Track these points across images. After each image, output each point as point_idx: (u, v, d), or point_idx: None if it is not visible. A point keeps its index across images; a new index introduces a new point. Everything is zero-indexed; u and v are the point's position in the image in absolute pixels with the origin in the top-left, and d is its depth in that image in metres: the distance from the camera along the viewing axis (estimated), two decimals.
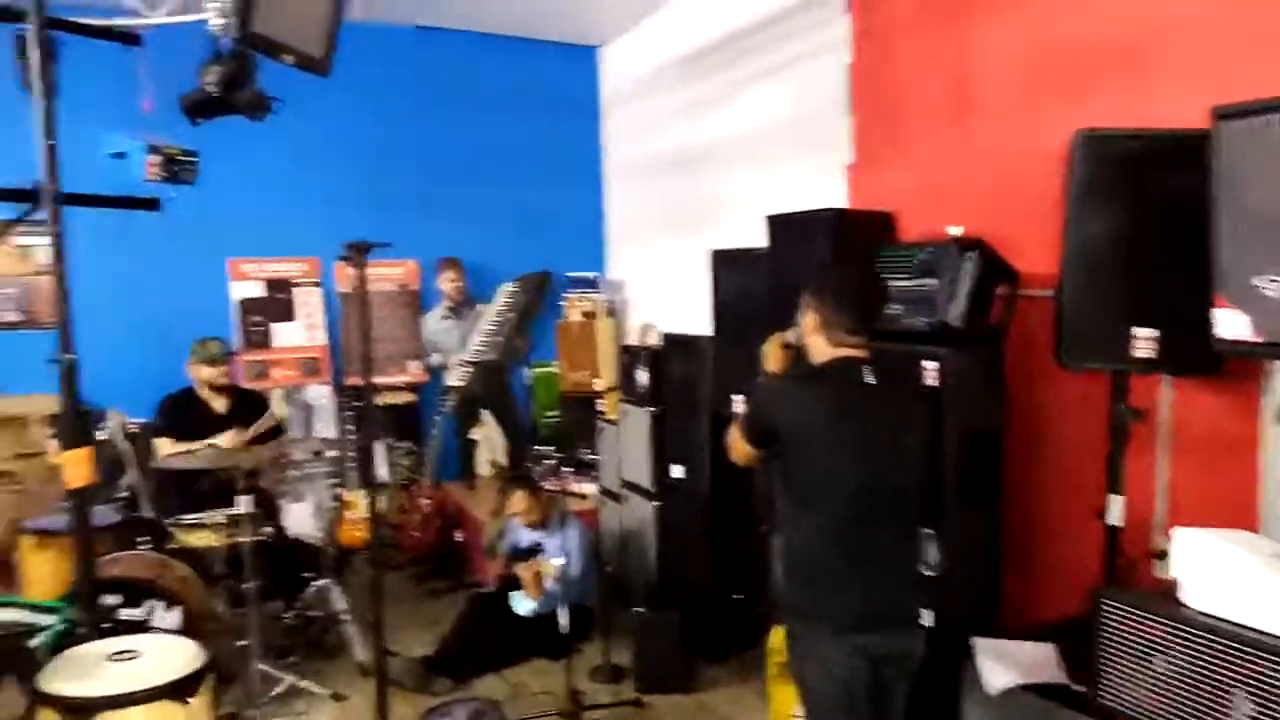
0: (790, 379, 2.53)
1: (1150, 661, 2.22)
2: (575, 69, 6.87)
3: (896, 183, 4.03)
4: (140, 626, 3.64)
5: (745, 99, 5.15)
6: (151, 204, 2.98)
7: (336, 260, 3.43)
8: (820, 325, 2.42)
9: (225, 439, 4.47)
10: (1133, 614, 2.29)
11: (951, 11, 3.71)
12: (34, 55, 2.30)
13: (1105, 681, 2.34)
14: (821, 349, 2.43)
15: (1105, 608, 2.37)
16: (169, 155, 2.84)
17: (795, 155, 4.73)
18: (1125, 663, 2.29)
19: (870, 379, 2.39)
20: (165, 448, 4.54)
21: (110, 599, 3.55)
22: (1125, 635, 2.29)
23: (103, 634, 2.27)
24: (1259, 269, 2.16)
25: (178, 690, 1.92)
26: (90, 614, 2.32)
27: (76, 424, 2.39)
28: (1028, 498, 3.28)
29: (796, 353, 2.62)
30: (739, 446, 2.54)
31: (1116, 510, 2.78)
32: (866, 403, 2.39)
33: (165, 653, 2.05)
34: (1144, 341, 2.57)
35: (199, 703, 1.95)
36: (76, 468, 2.30)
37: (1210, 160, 2.24)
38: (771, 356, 2.68)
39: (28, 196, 2.56)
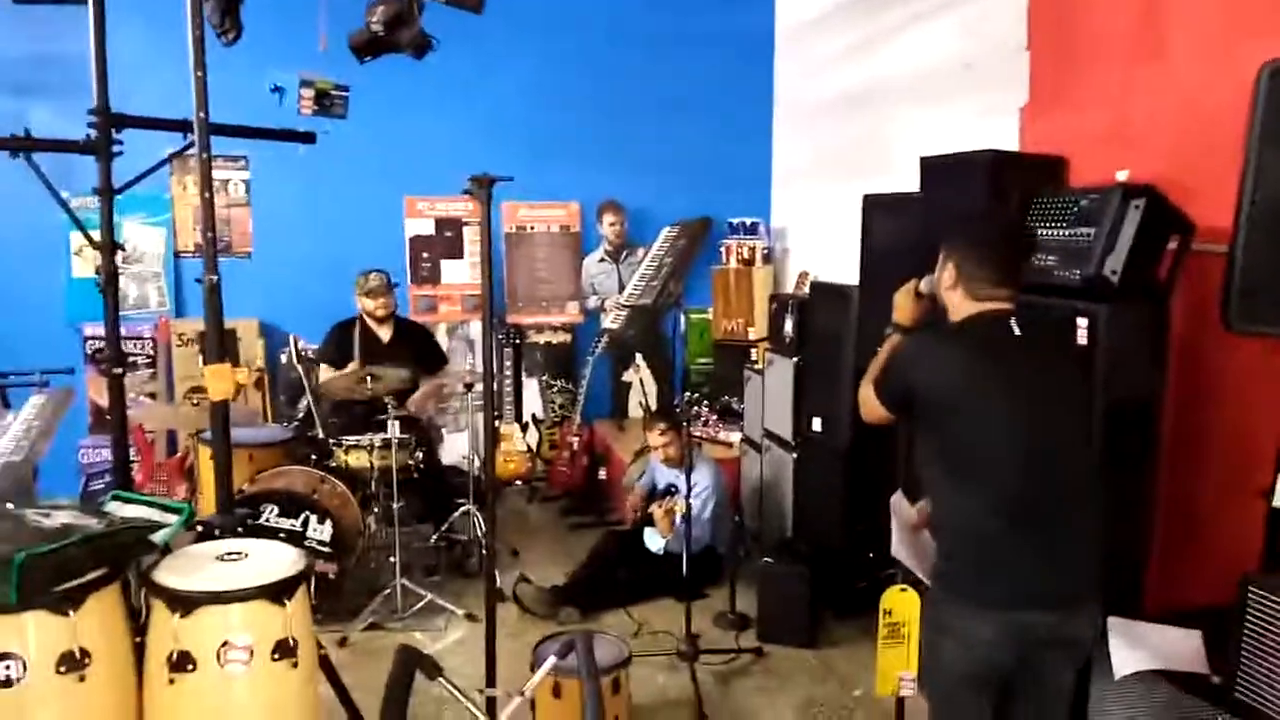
0: (930, 335, 2.34)
1: None
2: (748, 6, 6.65)
3: (1073, 125, 3.70)
4: (297, 536, 3.95)
5: (917, 35, 4.86)
6: (308, 137, 3.13)
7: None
8: (959, 279, 2.23)
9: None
10: None
11: None
12: None
13: (1246, 675, 2.11)
14: (960, 305, 2.24)
15: (1254, 597, 2.13)
16: (321, 90, 2.98)
17: (966, 96, 4.43)
18: (1271, 658, 2.05)
19: (1017, 331, 2.17)
20: (325, 373, 4.81)
21: (267, 508, 3.86)
22: (1273, 628, 2.05)
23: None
24: None
25: (275, 592, 2.05)
26: (228, 519, 2.51)
27: (220, 342, 2.55)
28: (1186, 471, 2.97)
29: (931, 303, 2.46)
30: (872, 406, 2.37)
31: None
32: (1021, 357, 2.17)
33: (269, 557, 2.20)
34: None
35: (295, 606, 2.08)
36: (219, 382, 2.47)
37: None
38: (902, 306, 2.53)
39: (183, 126, 2.72)
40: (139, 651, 2.04)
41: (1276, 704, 2.02)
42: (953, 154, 3.46)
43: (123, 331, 5.74)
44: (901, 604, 2.78)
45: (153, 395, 5.73)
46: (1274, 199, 2.28)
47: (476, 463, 5.12)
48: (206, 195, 2.45)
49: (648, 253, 6.05)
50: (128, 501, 2.21)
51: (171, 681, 2.01)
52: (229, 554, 2.15)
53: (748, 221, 6.46)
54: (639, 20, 6.44)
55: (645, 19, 6.44)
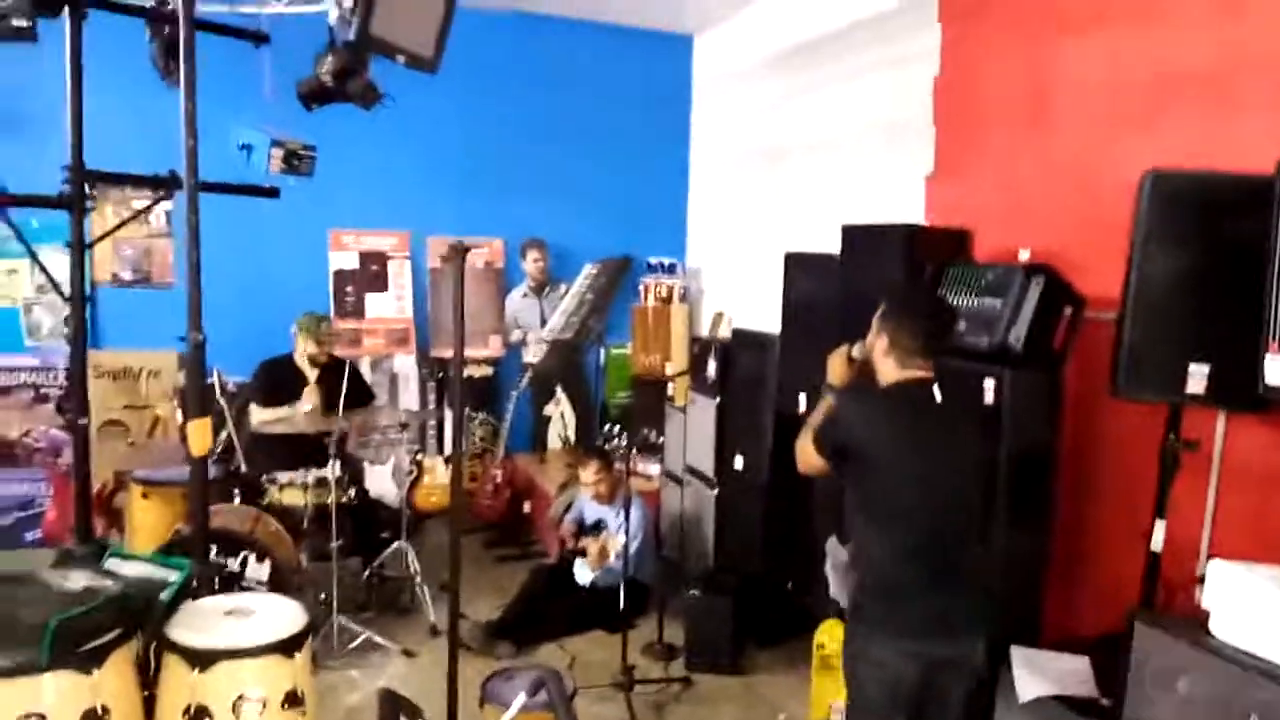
0: (865, 397, 2.60)
1: (1174, 685, 2.33)
2: (669, 57, 7.01)
3: (973, 197, 4.11)
4: (236, 576, 3.99)
5: (831, 100, 5.24)
6: (272, 193, 3.24)
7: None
8: (890, 348, 2.52)
9: (306, 400, 4.75)
10: (1162, 639, 2.40)
11: (1037, 32, 3.77)
12: (183, 56, 2.50)
13: (1132, 700, 2.46)
14: (890, 371, 2.53)
15: (1138, 630, 2.48)
16: (291, 149, 3.09)
17: (876, 160, 4.82)
18: (1152, 684, 2.40)
19: (938, 397, 2.48)
20: (258, 413, 4.84)
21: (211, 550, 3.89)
22: (1154, 658, 2.41)
23: (213, 587, 2.55)
24: None
25: (286, 647, 2.18)
26: (205, 567, 2.60)
27: (200, 398, 2.64)
28: (1079, 516, 3.38)
29: (861, 367, 2.76)
30: (809, 458, 2.63)
31: (1160, 536, 2.87)
32: (938, 424, 2.47)
33: (274, 612, 2.32)
34: (1198, 378, 2.65)
35: (302, 658, 2.21)
36: (199, 437, 2.56)
37: (1273, 211, 2.32)
38: (836, 369, 2.80)
39: (170, 184, 2.80)
40: (148, 705, 2.13)
41: None
42: (872, 225, 3.80)
43: (35, 362, 5.67)
44: (835, 637, 3.07)
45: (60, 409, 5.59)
46: (1155, 286, 2.66)
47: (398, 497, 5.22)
48: (194, 257, 2.54)
49: (570, 289, 6.28)
50: (126, 559, 2.29)
51: None
52: (236, 610, 2.26)
53: (666, 261, 6.76)
54: (563, 64, 6.68)
55: (569, 64, 6.69)
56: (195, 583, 2.54)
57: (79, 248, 2.84)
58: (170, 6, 3.00)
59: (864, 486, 2.50)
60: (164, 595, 2.14)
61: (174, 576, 2.20)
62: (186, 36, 2.52)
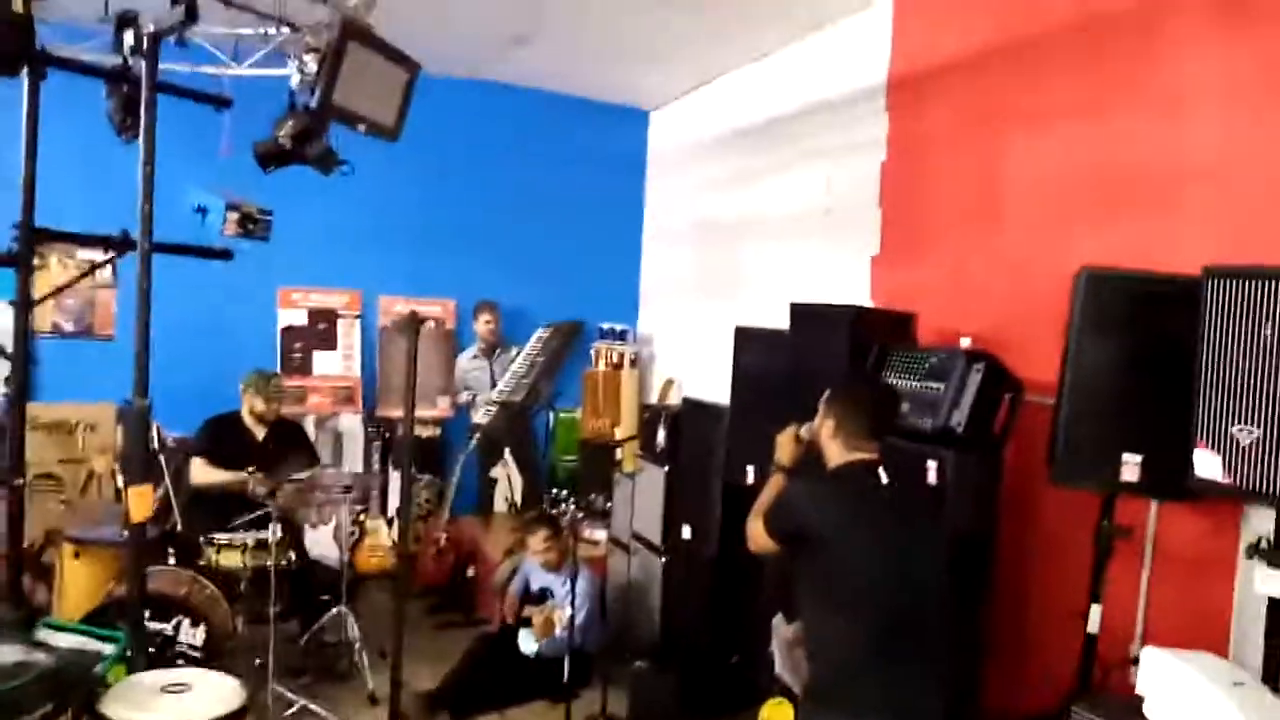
0: (813, 481, 2.64)
1: None
2: (625, 130, 7.18)
3: (917, 279, 4.25)
4: (169, 640, 3.87)
5: (781, 180, 5.40)
6: (226, 255, 3.24)
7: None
8: (836, 431, 2.58)
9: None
10: None
11: (983, 126, 3.95)
12: (144, 124, 2.51)
13: None
14: (837, 453, 2.58)
15: (1077, 716, 2.54)
16: (247, 213, 3.09)
17: (824, 240, 4.96)
18: None
19: (884, 479, 2.53)
20: (201, 471, 4.74)
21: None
22: None
23: (149, 656, 2.48)
24: (1235, 419, 2.35)
25: None
26: (141, 637, 2.54)
27: (143, 463, 2.60)
28: (1016, 596, 3.46)
29: (809, 447, 2.82)
30: (760, 540, 2.65)
31: (1095, 619, 2.95)
32: (887, 505, 2.53)
33: (212, 688, 2.27)
34: (1131, 467, 2.75)
35: None
36: (139, 503, 2.52)
37: (1201, 312, 2.45)
38: (784, 448, 2.87)
39: (122, 245, 2.79)
40: None
41: None
42: (819, 305, 3.90)
43: None
44: (777, 715, 3.08)
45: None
46: (1090, 378, 2.78)
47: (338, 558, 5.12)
48: (144, 321, 2.52)
49: (521, 352, 6.30)
50: (59, 630, 2.22)
51: None
52: (172, 685, 2.20)
53: (617, 328, 6.82)
54: (520, 132, 6.81)
55: (526, 131, 6.81)
56: (130, 653, 2.48)
57: (25, 306, 2.79)
58: (133, 70, 3.00)
59: (816, 569, 2.52)
60: (98, 669, 2.08)
61: (109, 649, 2.14)
62: (149, 100, 2.53)
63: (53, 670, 1.97)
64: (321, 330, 6.30)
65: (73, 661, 2.05)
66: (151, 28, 2.74)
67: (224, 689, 2.26)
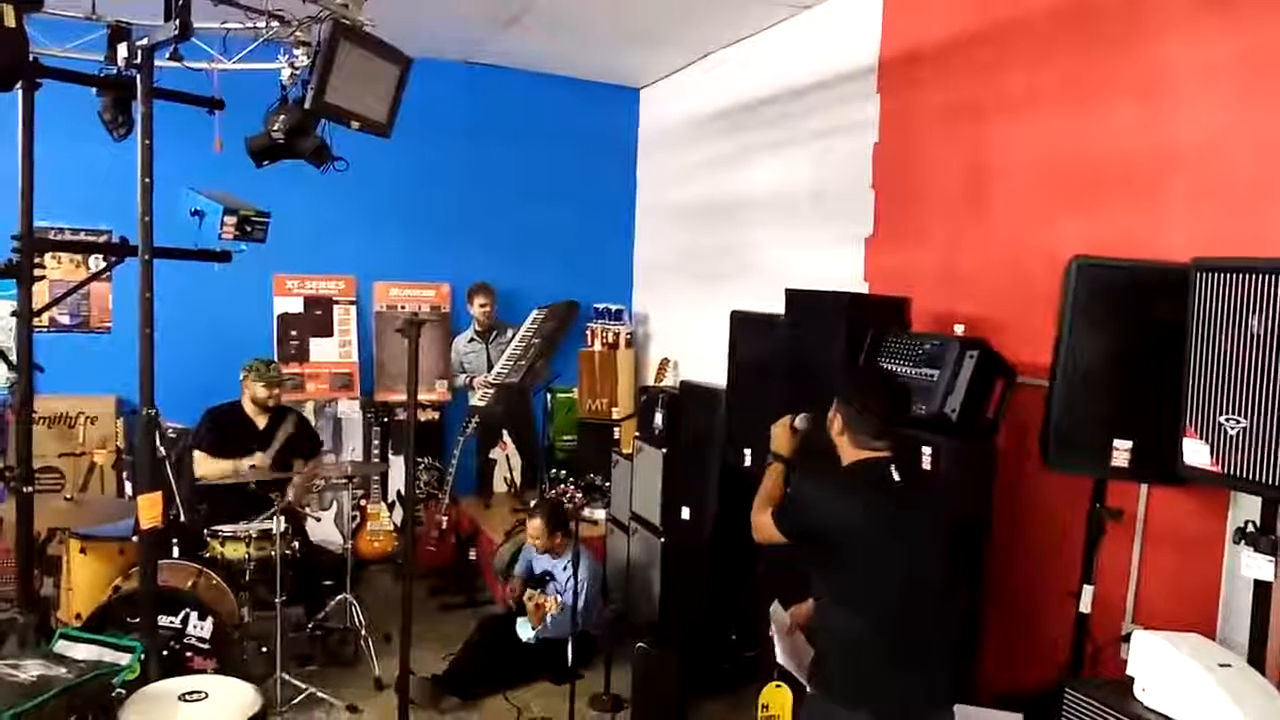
0: (823, 477, 2.65)
1: None
2: (616, 109, 7.14)
3: (909, 260, 4.27)
4: (177, 633, 3.93)
5: (775, 160, 5.39)
6: (224, 257, 3.24)
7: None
8: (847, 428, 2.60)
9: (255, 459, 4.71)
10: (1092, 705, 2.54)
11: (973, 109, 3.95)
12: (140, 132, 2.52)
13: None
14: (847, 451, 2.61)
15: (1070, 696, 2.61)
16: (244, 215, 3.10)
17: (817, 220, 4.97)
18: None
19: (897, 477, 2.56)
20: (203, 462, 4.78)
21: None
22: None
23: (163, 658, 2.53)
24: (1224, 408, 2.40)
25: None
26: (155, 639, 2.59)
27: (151, 471, 2.63)
28: (1011, 577, 3.53)
29: (804, 436, 2.86)
30: (768, 533, 2.66)
31: (1087, 599, 3.02)
32: (898, 502, 2.55)
33: (229, 695, 2.32)
34: (1122, 452, 2.80)
35: None
36: (150, 510, 2.56)
37: (1189, 305, 2.48)
38: (780, 438, 2.91)
39: (122, 252, 2.80)
40: None
41: None
42: (815, 291, 3.92)
43: None
44: (777, 699, 3.15)
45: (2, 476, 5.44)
46: (1084, 364, 2.82)
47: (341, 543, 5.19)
48: (148, 331, 2.55)
49: (516, 333, 6.33)
50: (76, 640, 2.27)
51: None
52: (190, 693, 2.25)
53: (612, 308, 6.84)
54: (511, 113, 6.77)
55: (517, 112, 6.78)
56: (145, 657, 2.53)
57: (27, 318, 2.81)
58: (126, 76, 2.99)
59: (830, 564, 2.56)
60: (117, 680, 2.13)
61: (126, 659, 2.19)
62: (145, 114, 2.54)
63: (75, 684, 2.01)
64: (318, 317, 6.31)
65: (95, 676, 2.09)
66: (145, 42, 2.74)
67: (242, 696, 2.32)
